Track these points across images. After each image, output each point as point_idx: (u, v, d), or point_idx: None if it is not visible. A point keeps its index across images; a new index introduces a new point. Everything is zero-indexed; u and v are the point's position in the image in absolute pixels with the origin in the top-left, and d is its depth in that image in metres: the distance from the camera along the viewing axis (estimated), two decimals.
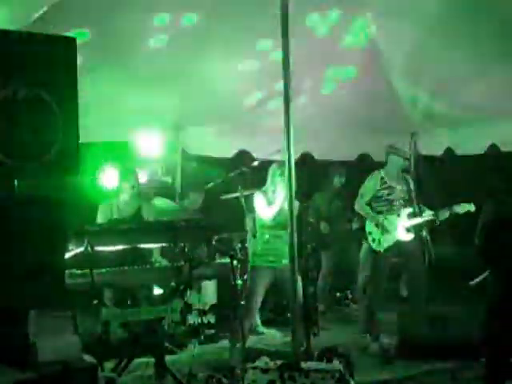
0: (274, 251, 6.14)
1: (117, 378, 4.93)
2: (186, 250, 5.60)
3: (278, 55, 6.71)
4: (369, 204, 7.09)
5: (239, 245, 7.32)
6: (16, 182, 3.92)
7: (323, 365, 4.78)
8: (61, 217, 4.08)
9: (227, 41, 6.65)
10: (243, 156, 8.35)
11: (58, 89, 3.95)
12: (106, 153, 7.86)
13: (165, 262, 6.04)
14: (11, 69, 3.83)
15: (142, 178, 8.16)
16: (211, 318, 7.10)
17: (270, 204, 6.16)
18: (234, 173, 7.63)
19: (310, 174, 8.12)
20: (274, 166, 6.36)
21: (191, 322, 6.92)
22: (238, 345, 5.77)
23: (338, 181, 8.73)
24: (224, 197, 7.49)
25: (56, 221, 4.05)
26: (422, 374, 5.91)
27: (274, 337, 7.25)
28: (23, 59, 3.86)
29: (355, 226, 8.36)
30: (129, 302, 5.55)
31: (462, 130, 8.19)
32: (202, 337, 6.85)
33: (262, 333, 7.33)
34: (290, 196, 5.03)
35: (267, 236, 6.19)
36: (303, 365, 4.68)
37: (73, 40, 3.99)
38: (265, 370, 4.67)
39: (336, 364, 4.77)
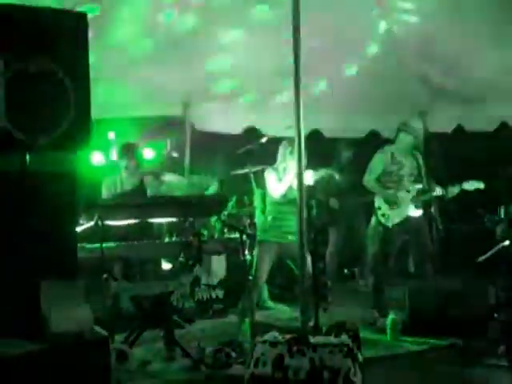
0: (283, 228, 6.17)
1: (128, 350, 4.99)
2: (196, 225, 5.64)
3: (289, 32, 6.79)
4: (378, 179, 7.09)
5: (248, 220, 7.35)
6: (28, 156, 3.95)
7: (332, 339, 4.80)
8: (72, 191, 4.13)
9: (238, 17, 6.64)
10: (252, 132, 8.35)
11: (70, 63, 3.96)
12: (113, 129, 7.88)
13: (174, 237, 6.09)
14: (23, 43, 3.85)
15: (149, 153, 8.21)
16: (219, 293, 7.14)
17: (280, 181, 6.18)
18: (243, 149, 7.65)
19: (318, 150, 8.11)
20: (284, 142, 6.36)
21: (199, 296, 6.98)
22: (247, 319, 5.82)
23: (346, 156, 8.73)
24: (233, 172, 7.49)
25: (67, 195, 4.10)
26: (430, 349, 5.95)
27: (282, 312, 7.30)
28: (35, 34, 3.88)
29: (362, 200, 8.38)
30: (138, 276, 5.59)
31: (472, 107, 8.17)
32: (211, 311, 6.90)
33: (271, 308, 7.38)
34: (300, 172, 5.03)
35: (277, 212, 6.22)
36: (312, 339, 4.71)
37: (84, 15, 4.00)
38: (273, 344, 4.69)
39: (345, 338, 4.78)
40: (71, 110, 3.95)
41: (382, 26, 7.33)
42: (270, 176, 6.26)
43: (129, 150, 6.81)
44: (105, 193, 6.70)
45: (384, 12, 7.15)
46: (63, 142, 3.97)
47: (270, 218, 6.24)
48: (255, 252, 6.27)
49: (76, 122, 3.97)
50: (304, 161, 5.06)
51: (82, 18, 3.99)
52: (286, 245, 6.08)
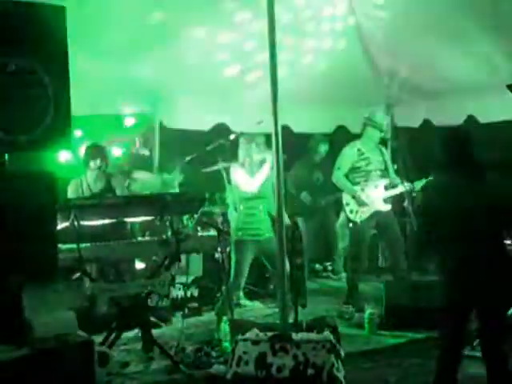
0: (257, 224, 6.16)
1: (109, 353, 4.89)
2: (172, 223, 5.56)
3: (256, 27, 6.75)
4: (346, 175, 7.11)
5: (220, 218, 7.29)
6: (7, 156, 3.83)
7: (314, 335, 4.79)
8: (52, 190, 4.03)
9: (205, 12, 6.56)
10: (221, 129, 8.28)
11: (49, 60, 3.85)
12: (79, 126, 7.72)
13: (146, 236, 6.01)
14: (0, 39, 3.72)
15: (117, 151, 8.10)
16: (194, 292, 7.08)
17: (252, 175, 6.16)
18: (212, 146, 7.57)
19: (289, 145, 8.09)
20: (243, 139, 6.41)
21: (173, 295, 6.90)
22: (225, 318, 5.77)
23: (323, 149, 8.76)
24: (205, 170, 7.39)
25: (47, 194, 3.99)
26: (407, 343, 6.01)
27: (258, 309, 7.25)
28: (12, 30, 3.75)
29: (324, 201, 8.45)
30: (115, 277, 5.49)
31: (439, 101, 8.24)
32: (186, 310, 6.82)
33: (246, 306, 7.34)
34: (278, 169, 5.00)
35: (248, 208, 6.19)
36: (294, 336, 4.69)
37: (62, 9, 3.88)
38: (255, 342, 4.66)
39: (327, 334, 4.78)
40: (51, 107, 3.84)
41: (351, 20, 7.33)
42: (237, 172, 6.25)
43: (100, 151, 6.75)
44: (70, 193, 6.58)
45: (353, 6, 7.14)
46: (43, 141, 3.86)
47: (243, 215, 6.20)
48: (233, 251, 6.22)
49: (56, 121, 3.86)
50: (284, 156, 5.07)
51: (60, 12, 3.86)
52: (263, 242, 6.07)
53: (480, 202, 4.12)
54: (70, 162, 7.40)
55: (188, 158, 7.69)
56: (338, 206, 8.16)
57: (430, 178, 6.60)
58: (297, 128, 8.81)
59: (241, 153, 6.41)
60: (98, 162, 6.68)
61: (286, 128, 8.60)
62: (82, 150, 7.00)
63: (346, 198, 7.16)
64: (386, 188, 7.10)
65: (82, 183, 6.66)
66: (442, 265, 4.46)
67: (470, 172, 4.23)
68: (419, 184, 6.99)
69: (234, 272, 6.11)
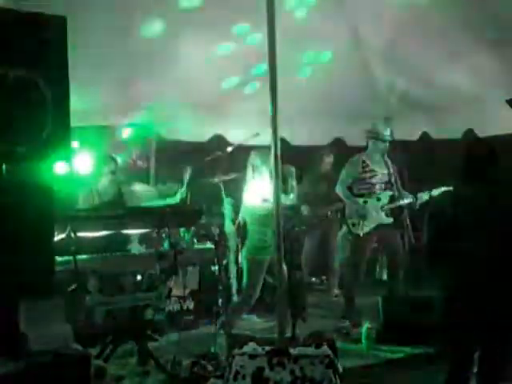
0: (267, 242, 6.04)
1: (105, 366, 4.84)
2: (170, 236, 5.52)
3: (254, 39, 6.75)
4: (350, 187, 7.08)
5: (217, 230, 7.23)
6: (4, 166, 3.78)
7: (312, 350, 4.74)
8: (50, 202, 3.99)
9: (203, 24, 6.55)
10: (218, 141, 8.26)
11: (49, 70, 3.81)
12: (79, 138, 7.68)
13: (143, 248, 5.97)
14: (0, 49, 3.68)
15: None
16: (190, 305, 7.03)
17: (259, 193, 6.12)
18: (210, 158, 7.54)
19: (286, 158, 8.07)
20: (253, 154, 6.31)
21: (170, 308, 6.85)
22: (222, 331, 5.72)
23: (328, 161, 8.73)
24: (204, 181, 7.33)
25: (45, 206, 3.95)
26: (405, 357, 5.97)
27: (255, 323, 7.21)
28: (12, 40, 3.71)
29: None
30: (114, 289, 5.44)
31: (438, 115, 8.25)
32: (182, 323, 6.76)
33: (243, 319, 7.27)
34: (276, 182, 4.96)
35: (263, 227, 6.10)
36: (292, 350, 4.64)
37: (63, 19, 3.85)
38: (253, 356, 4.61)
39: (325, 349, 4.73)
40: (50, 118, 3.80)
41: (350, 33, 7.32)
42: (251, 189, 6.21)
43: (113, 157, 6.81)
44: (82, 205, 6.53)
45: (352, 19, 7.13)
46: (41, 152, 3.82)
47: (257, 233, 6.10)
48: (247, 269, 6.12)
49: (56, 131, 3.82)
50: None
51: (61, 21, 3.83)
52: (271, 259, 6.03)
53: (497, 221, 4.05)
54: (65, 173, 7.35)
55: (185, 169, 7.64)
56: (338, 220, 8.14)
57: (445, 189, 6.58)
58: (294, 141, 8.79)
59: (250, 168, 6.33)
60: (112, 166, 6.69)
61: (282, 141, 8.60)
62: (77, 161, 6.96)
63: (348, 210, 7.13)
64: (389, 201, 7.07)
65: (93, 193, 6.63)
66: (450, 279, 4.34)
67: (491, 188, 4.16)
68: (423, 197, 6.97)
69: (247, 291, 6.05)
